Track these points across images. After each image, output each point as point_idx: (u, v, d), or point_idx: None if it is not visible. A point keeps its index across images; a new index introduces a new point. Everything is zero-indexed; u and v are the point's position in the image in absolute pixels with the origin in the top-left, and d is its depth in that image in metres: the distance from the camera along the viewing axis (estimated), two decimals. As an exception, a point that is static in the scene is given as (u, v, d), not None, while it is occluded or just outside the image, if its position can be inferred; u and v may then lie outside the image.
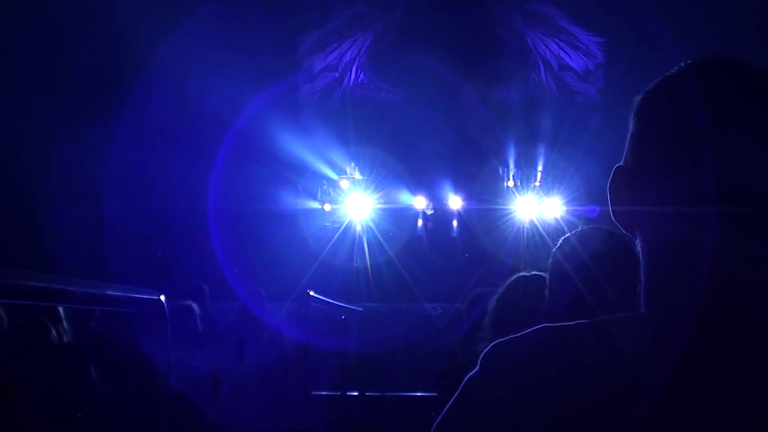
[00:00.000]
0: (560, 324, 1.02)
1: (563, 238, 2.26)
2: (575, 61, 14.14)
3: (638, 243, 1.09)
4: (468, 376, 1.05)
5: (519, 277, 3.10)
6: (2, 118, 9.61)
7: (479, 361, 1.04)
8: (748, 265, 0.97)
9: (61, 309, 4.40)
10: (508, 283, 3.11)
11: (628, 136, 1.10)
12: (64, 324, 4.54)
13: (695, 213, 0.98)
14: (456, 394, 1.05)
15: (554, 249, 2.25)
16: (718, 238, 0.97)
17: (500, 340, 1.04)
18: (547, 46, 14.20)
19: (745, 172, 0.96)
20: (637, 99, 1.09)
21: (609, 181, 1.10)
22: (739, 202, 0.96)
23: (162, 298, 2.61)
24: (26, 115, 10.19)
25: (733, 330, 0.95)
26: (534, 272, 3.08)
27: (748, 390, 0.91)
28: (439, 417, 1.05)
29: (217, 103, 11.49)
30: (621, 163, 1.11)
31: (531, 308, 2.80)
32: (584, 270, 2.05)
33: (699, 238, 0.98)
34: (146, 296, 2.57)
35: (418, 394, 7.67)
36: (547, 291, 2.29)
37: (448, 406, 1.05)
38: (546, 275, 2.98)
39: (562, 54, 14.17)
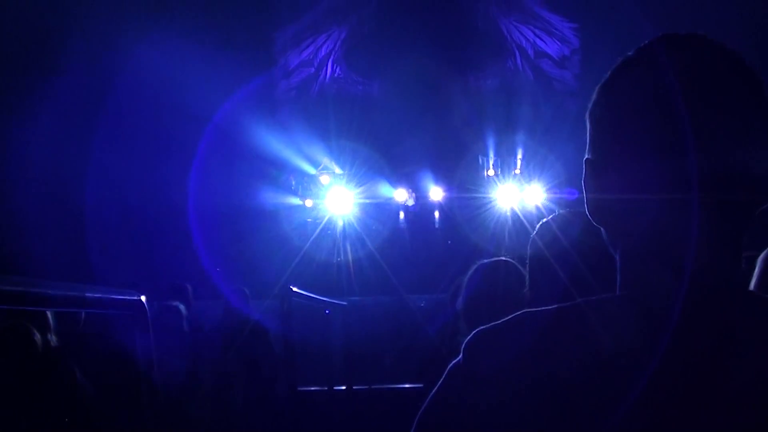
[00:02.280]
0: (540, 309, 1.03)
1: (540, 223, 2.26)
2: (551, 47, 14.17)
3: (607, 232, 1.09)
4: (451, 365, 1.05)
5: (486, 263, 3.09)
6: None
7: (462, 349, 1.04)
8: (727, 251, 0.99)
9: (47, 312, 4.39)
10: (476, 268, 3.10)
11: (588, 125, 1.10)
12: (47, 327, 4.52)
13: (673, 199, 0.98)
14: (439, 382, 1.05)
15: (533, 235, 2.25)
16: (699, 224, 0.97)
17: (482, 327, 1.04)
18: (522, 34, 14.22)
19: (726, 158, 0.96)
20: (597, 87, 1.09)
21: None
22: (720, 189, 0.96)
23: (143, 298, 2.61)
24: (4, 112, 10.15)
25: (713, 315, 0.96)
26: (500, 258, 3.09)
27: (726, 371, 0.92)
28: (423, 406, 1.05)
29: (195, 101, 11.43)
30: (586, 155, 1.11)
31: (503, 294, 2.81)
32: (563, 255, 2.05)
33: (679, 224, 0.98)
34: (127, 297, 2.56)
35: (406, 386, 7.68)
36: (527, 278, 2.29)
37: (431, 394, 1.05)
38: (511, 260, 2.99)
39: (538, 41, 14.19)
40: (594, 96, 1.09)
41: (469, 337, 1.04)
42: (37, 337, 4.10)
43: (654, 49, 1.04)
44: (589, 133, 1.09)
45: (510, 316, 1.03)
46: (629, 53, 1.06)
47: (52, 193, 10.40)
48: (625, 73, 1.06)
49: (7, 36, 10.17)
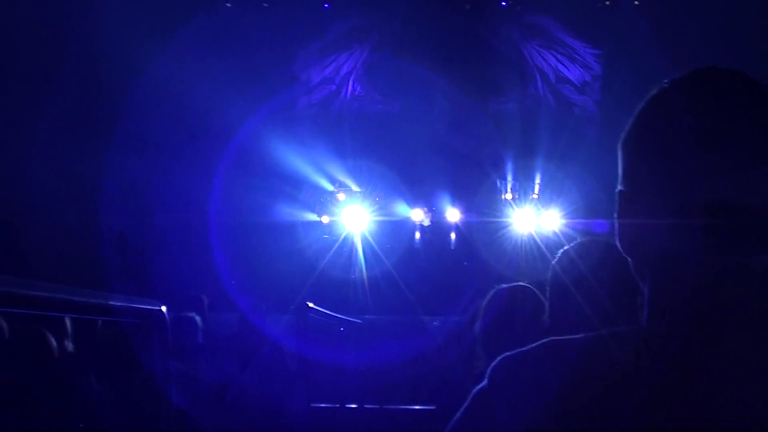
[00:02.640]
0: (566, 337, 1.03)
1: (562, 251, 2.27)
2: (573, 73, 14.17)
3: (636, 263, 1.09)
4: (476, 389, 1.06)
5: (505, 288, 3.09)
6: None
7: (487, 374, 1.05)
8: (733, 279, 0.99)
9: (66, 319, 4.41)
10: (494, 293, 3.10)
11: (621, 156, 1.11)
12: (65, 333, 4.55)
13: (682, 227, 0.99)
14: (464, 406, 1.06)
15: (553, 262, 2.26)
16: (704, 252, 0.98)
17: (508, 353, 1.05)
18: (544, 58, 14.22)
19: (732, 186, 0.97)
20: (633, 119, 1.09)
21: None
22: (725, 216, 0.97)
23: (164, 308, 2.63)
24: (29, 129, 10.23)
25: (723, 343, 0.96)
26: (518, 283, 3.09)
27: (736, 402, 0.93)
28: (447, 429, 1.05)
29: (216, 115, 11.52)
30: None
31: (521, 320, 2.81)
32: (583, 283, 2.06)
33: (686, 252, 0.99)
34: (148, 306, 2.58)
35: (417, 407, 7.66)
36: (547, 304, 2.30)
37: (455, 418, 1.06)
38: (530, 285, 2.99)
39: (560, 66, 14.19)
40: (629, 127, 1.09)
41: (494, 363, 1.05)
42: (53, 342, 4.12)
43: (691, 83, 1.05)
44: (622, 164, 1.10)
45: (536, 343, 1.04)
46: (665, 84, 1.07)
47: (72, 201, 10.45)
48: (661, 106, 1.06)
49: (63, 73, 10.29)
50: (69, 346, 4.51)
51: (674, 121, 1.03)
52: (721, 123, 0.99)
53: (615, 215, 1.10)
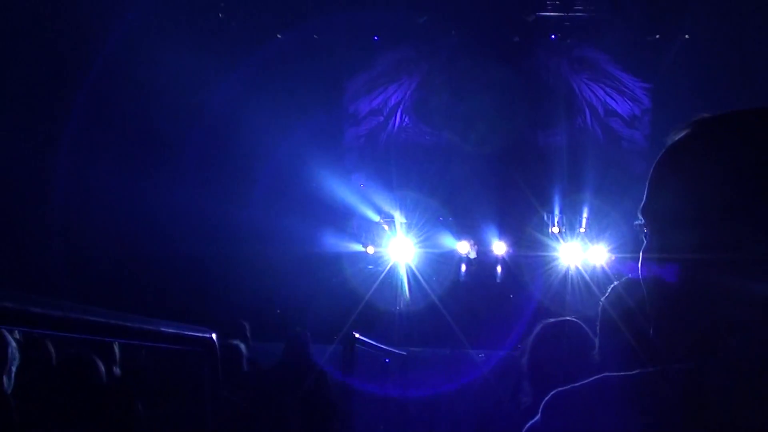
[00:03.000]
0: (620, 374, 1.02)
1: (611, 287, 2.26)
2: (622, 106, 14.10)
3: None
4: (528, 425, 1.06)
5: (553, 322, 3.07)
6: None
7: (540, 409, 1.05)
8: (748, 313, 0.97)
9: (114, 344, 4.47)
10: (541, 327, 3.08)
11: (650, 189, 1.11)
12: (113, 359, 4.61)
13: (736, 265, 0.98)
14: None
15: (602, 299, 2.25)
16: (716, 287, 0.98)
17: (561, 389, 1.04)
18: (593, 92, 14.19)
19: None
20: (663, 152, 1.09)
21: None
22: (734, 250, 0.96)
23: (214, 336, 2.64)
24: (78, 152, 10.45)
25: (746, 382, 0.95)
26: (565, 318, 3.06)
27: None
28: None
29: (265, 147, 11.67)
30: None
31: (569, 356, 2.79)
32: (632, 319, 2.05)
33: (702, 287, 0.99)
34: (199, 334, 2.60)
35: (461, 440, 7.60)
36: (596, 340, 2.29)
37: None
38: (578, 320, 2.96)
39: (609, 99, 14.14)
40: (661, 160, 1.09)
41: (547, 398, 1.05)
42: (102, 368, 4.16)
43: (726, 122, 1.05)
44: (648, 196, 1.10)
45: (589, 380, 1.03)
46: (696, 119, 1.06)
47: (122, 229, 10.63)
48: (693, 143, 1.06)
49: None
50: (115, 371, 4.56)
51: (708, 161, 1.03)
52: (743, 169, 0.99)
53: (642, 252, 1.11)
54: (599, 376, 1.04)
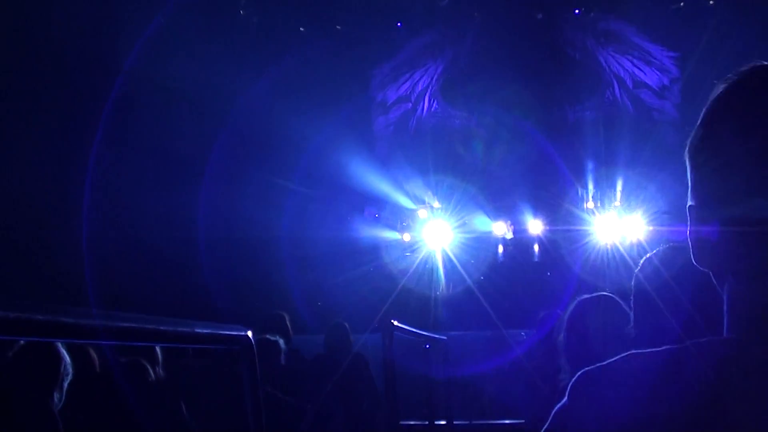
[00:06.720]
0: (647, 351, 0.99)
1: (644, 258, 2.21)
2: (650, 77, 13.93)
3: (714, 274, 1.04)
4: (557, 407, 1.03)
5: (587, 299, 3.04)
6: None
7: (567, 391, 1.02)
8: None
9: (156, 347, 4.52)
10: (576, 304, 3.05)
11: (689, 168, 1.06)
12: (156, 361, 4.67)
13: (753, 236, 0.94)
14: (545, 426, 1.04)
15: (636, 271, 2.21)
16: None
17: (587, 368, 1.01)
18: (620, 64, 14.02)
19: None
20: (697, 127, 1.04)
21: None
22: None
23: (249, 334, 2.66)
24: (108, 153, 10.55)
25: None
26: (600, 293, 3.03)
27: None
28: None
29: (295, 143, 11.72)
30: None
31: (604, 331, 2.76)
32: (667, 291, 2.01)
33: (759, 262, 0.95)
34: (234, 332, 2.61)
35: (506, 421, 7.59)
36: (631, 315, 2.25)
37: None
38: (612, 295, 2.93)
39: (637, 71, 13.97)
40: (694, 137, 1.05)
41: (574, 379, 1.02)
42: (152, 372, 4.24)
43: (756, 88, 0.99)
44: (691, 178, 1.05)
45: (616, 358, 1.00)
46: (728, 87, 1.01)
47: (155, 232, 10.72)
48: (726, 113, 1.01)
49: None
50: (159, 373, 4.62)
51: (734, 128, 0.98)
52: None
53: (687, 232, 1.05)
54: (626, 353, 1.01)
